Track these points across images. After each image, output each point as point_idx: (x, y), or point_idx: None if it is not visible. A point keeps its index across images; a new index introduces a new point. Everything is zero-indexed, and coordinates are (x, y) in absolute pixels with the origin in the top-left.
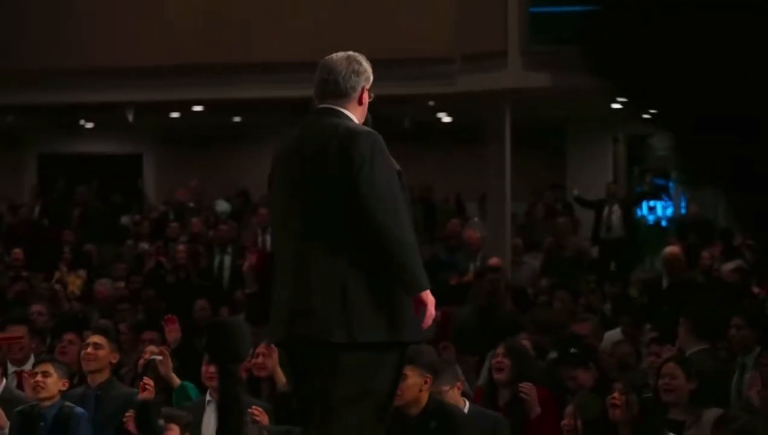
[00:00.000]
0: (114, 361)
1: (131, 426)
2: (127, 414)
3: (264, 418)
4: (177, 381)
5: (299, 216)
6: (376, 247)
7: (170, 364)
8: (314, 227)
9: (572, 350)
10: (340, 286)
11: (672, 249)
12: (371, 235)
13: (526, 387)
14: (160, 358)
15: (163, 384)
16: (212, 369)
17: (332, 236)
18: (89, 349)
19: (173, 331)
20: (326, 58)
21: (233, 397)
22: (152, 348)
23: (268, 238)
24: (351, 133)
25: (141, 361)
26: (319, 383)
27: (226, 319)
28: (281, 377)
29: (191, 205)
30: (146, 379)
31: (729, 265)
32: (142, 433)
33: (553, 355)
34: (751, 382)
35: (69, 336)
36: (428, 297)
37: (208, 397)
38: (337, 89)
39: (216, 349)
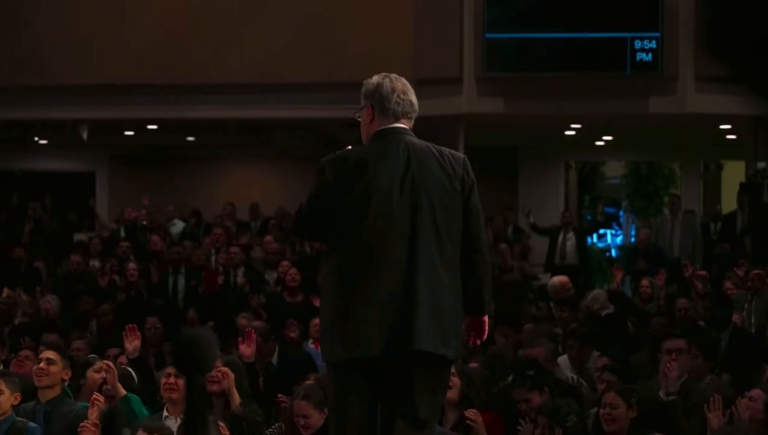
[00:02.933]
0: (66, 377)
1: None
2: (82, 424)
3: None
4: (122, 392)
5: (413, 229)
6: (475, 265)
7: (116, 374)
8: (432, 241)
9: (529, 373)
10: (454, 300)
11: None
12: (475, 254)
13: (472, 414)
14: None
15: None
16: (171, 381)
17: (448, 251)
18: (42, 365)
19: (135, 340)
20: (390, 76)
21: (200, 408)
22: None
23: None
24: (458, 156)
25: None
26: (419, 396)
27: (194, 329)
28: (236, 397)
29: (144, 223)
30: (96, 394)
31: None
32: None
33: (507, 378)
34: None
35: (25, 352)
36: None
37: (165, 413)
38: (413, 110)
39: (184, 359)
